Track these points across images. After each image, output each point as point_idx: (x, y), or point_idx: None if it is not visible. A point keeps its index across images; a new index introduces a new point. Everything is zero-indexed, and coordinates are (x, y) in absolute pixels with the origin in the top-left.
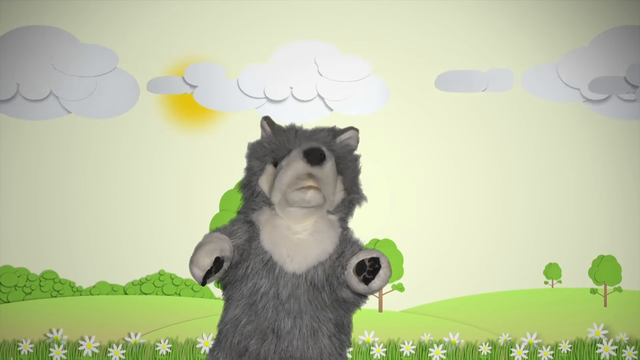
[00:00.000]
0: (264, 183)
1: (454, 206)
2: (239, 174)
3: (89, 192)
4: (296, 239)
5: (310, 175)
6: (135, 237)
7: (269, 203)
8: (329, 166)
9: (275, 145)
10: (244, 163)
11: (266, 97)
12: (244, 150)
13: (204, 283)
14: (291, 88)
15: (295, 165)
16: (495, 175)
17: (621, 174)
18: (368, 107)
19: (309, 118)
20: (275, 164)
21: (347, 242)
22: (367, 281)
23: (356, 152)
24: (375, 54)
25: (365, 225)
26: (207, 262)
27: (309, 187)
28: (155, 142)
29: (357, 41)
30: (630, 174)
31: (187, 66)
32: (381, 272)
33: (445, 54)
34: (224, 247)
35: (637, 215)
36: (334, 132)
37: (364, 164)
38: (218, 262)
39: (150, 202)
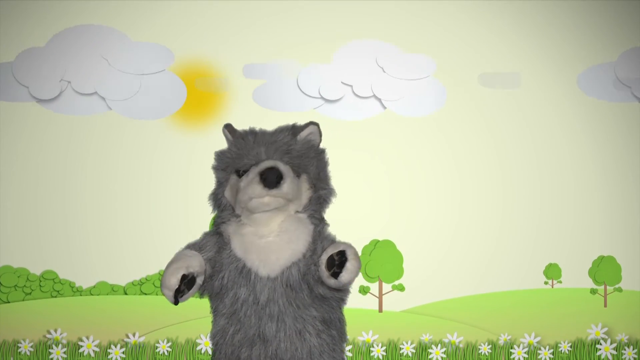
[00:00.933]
0: (229, 194)
1: (454, 206)
2: None
3: (89, 192)
4: (264, 243)
5: (270, 196)
6: (135, 237)
7: (235, 214)
8: (288, 183)
9: (235, 154)
10: None
11: (322, 97)
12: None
13: (176, 302)
14: (350, 86)
15: (253, 189)
16: (495, 176)
17: (621, 174)
18: (425, 108)
19: (363, 116)
20: (238, 173)
21: (321, 238)
22: (336, 275)
23: (320, 147)
24: (436, 54)
25: (365, 225)
26: (173, 281)
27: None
28: (155, 142)
29: (419, 40)
30: (630, 174)
31: (244, 65)
32: (348, 265)
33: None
34: (191, 263)
35: (637, 215)
36: (294, 130)
37: (364, 162)
38: (189, 280)
39: (150, 202)
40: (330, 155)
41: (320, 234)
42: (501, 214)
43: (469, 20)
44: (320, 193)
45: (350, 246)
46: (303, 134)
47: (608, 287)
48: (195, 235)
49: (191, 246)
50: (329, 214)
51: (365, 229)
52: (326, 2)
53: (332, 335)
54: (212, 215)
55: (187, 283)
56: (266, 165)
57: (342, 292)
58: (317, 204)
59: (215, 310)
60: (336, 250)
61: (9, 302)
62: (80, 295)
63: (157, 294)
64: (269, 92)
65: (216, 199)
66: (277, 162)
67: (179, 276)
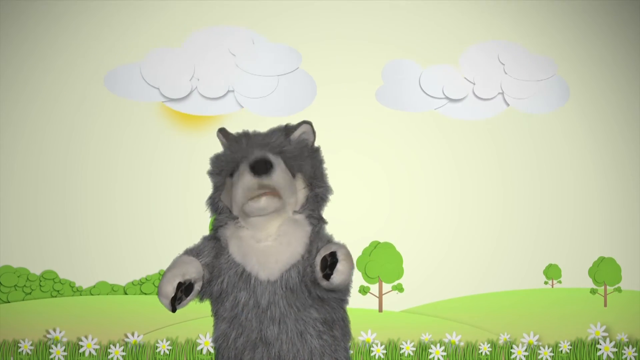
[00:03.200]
0: (225, 198)
1: (454, 207)
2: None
3: (89, 192)
4: (263, 247)
5: (261, 186)
6: (135, 237)
7: (232, 217)
8: (278, 172)
9: (229, 157)
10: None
11: (445, 97)
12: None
13: (174, 309)
14: (473, 84)
15: (244, 180)
16: (495, 176)
17: (621, 174)
18: (548, 106)
19: (487, 115)
20: (232, 176)
21: (318, 239)
22: (328, 277)
23: (315, 145)
24: (560, 54)
25: (365, 226)
26: (169, 289)
27: (262, 195)
28: (155, 142)
29: (543, 41)
30: (630, 175)
31: (385, 63)
32: (339, 266)
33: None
34: (187, 270)
35: (637, 216)
36: (287, 131)
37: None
38: (186, 286)
39: (150, 202)
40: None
41: (317, 235)
42: (501, 214)
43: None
44: (317, 191)
45: (341, 247)
46: (296, 134)
47: (608, 287)
48: (195, 235)
49: (189, 252)
50: (330, 215)
51: (365, 228)
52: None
53: (334, 336)
54: (211, 218)
55: (184, 290)
56: (255, 157)
57: (340, 292)
58: (314, 203)
59: (216, 314)
60: (328, 252)
61: (9, 302)
62: (80, 295)
63: (157, 294)
64: (389, 92)
65: (213, 203)
66: (266, 153)
67: (175, 284)
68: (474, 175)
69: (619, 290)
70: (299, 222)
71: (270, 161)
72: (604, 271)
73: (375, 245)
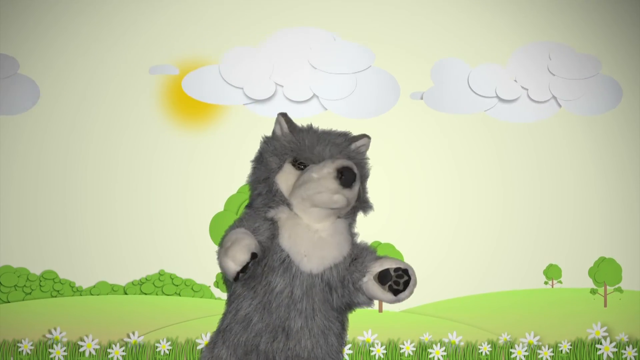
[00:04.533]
0: (282, 181)
1: (454, 206)
2: None
3: (89, 192)
4: (316, 238)
5: (340, 192)
6: (135, 237)
7: (286, 202)
8: (357, 187)
9: (295, 145)
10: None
11: (497, 97)
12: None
13: (237, 279)
14: (526, 90)
15: (327, 184)
16: (495, 176)
17: (621, 174)
18: (598, 108)
19: (540, 117)
20: (295, 163)
21: (359, 247)
22: (395, 292)
23: (367, 160)
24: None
25: (365, 225)
26: (243, 257)
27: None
28: (155, 142)
29: (589, 39)
30: (630, 174)
31: (435, 62)
32: (411, 284)
33: None
34: (256, 243)
35: (637, 216)
36: (349, 138)
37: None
38: (253, 259)
39: (150, 202)
40: None
41: (356, 243)
42: (501, 214)
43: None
44: (363, 205)
45: (410, 266)
46: (358, 144)
47: (608, 287)
48: (195, 235)
49: (245, 227)
50: None
51: (365, 229)
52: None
53: (343, 338)
54: (214, 215)
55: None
56: (344, 164)
57: (372, 302)
58: (356, 215)
59: (239, 296)
60: (395, 266)
61: (9, 302)
62: (80, 295)
63: (157, 294)
64: (438, 93)
65: (268, 183)
66: (352, 163)
67: (249, 254)
68: (474, 175)
69: (619, 290)
70: (346, 225)
71: (355, 175)
72: (604, 271)
73: (376, 245)
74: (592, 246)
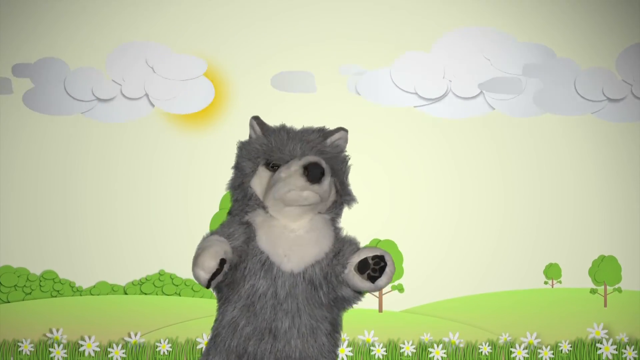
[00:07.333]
0: (256, 185)
1: (454, 206)
2: None
3: (89, 192)
4: (293, 237)
5: (309, 190)
6: (135, 237)
7: (262, 205)
8: (327, 180)
9: (267, 147)
10: None
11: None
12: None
13: (209, 286)
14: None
15: (295, 182)
16: (495, 175)
17: (621, 174)
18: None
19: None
20: (268, 165)
21: (342, 241)
22: (372, 279)
23: (345, 153)
24: None
25: (365, 225)
26: (212, 264)
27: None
28: (155, 142)
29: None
30: (630, 174)
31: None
32: (387, 270)
33: None
34: (226, 249)
35: (637, 215)
36: (324, 133)
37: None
38: (222, 265)
39: (150, 202)
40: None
41: (340, 237)
42: (501, 214)
43: None
44: (345, 199)
45: (386, 252)
46: (333, 138)
47: (608, 287)
48: (195, 234)
49: (219, 233)
50: None
51: (365, 228)
52: None
53: (335, 338)
54: (214, 215)
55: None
56: (310, 160)
57: (361, 296)
58: (339, 209)
59: (226, 300)
60: (372, 254)
61: (9, 302)
62: (80, 295)
63: (157, 294)
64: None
65: (242, 188)
66: (319, 158)
67: (218, 260)
68: (474, 175)
69: (619, 290)
70: (326, 220)
71: (324, 169)
72: (604, 271)
73: (375, 244)
74: (592, 246)
